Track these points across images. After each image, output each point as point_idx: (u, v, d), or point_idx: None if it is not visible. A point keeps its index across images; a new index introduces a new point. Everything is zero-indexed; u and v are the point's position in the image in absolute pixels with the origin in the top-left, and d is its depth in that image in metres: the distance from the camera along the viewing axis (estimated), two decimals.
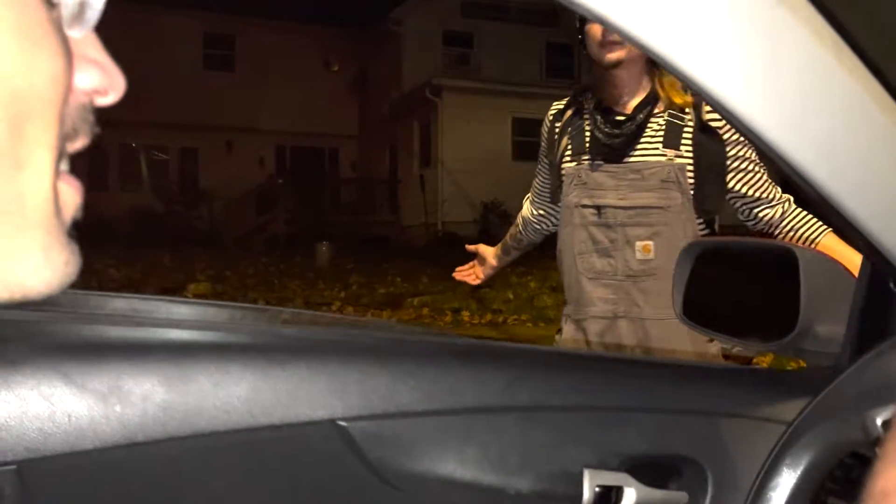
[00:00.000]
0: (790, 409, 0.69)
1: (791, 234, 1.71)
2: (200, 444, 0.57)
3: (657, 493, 0.68)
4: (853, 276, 0.78)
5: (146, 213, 16.32)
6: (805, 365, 0.87)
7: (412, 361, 0.66)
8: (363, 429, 0.62)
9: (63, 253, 0.34)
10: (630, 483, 0.67)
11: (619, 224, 1.70)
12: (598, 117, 1.75)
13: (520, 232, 2.08)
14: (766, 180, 1.72)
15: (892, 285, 0.72)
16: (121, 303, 0.69)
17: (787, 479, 0.53)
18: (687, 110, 1.70)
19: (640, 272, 1.68)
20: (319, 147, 20.40)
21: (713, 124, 1.69)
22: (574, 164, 1.77)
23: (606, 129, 1.72)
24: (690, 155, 1.67)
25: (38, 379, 0.54)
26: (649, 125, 1.70)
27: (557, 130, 1.85)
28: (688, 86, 0.54)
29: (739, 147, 1.71)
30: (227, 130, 18.50)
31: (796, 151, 0.56)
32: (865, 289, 0.74)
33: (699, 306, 0.94)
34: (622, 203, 1.69)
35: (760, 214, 1.73)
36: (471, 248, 2.16)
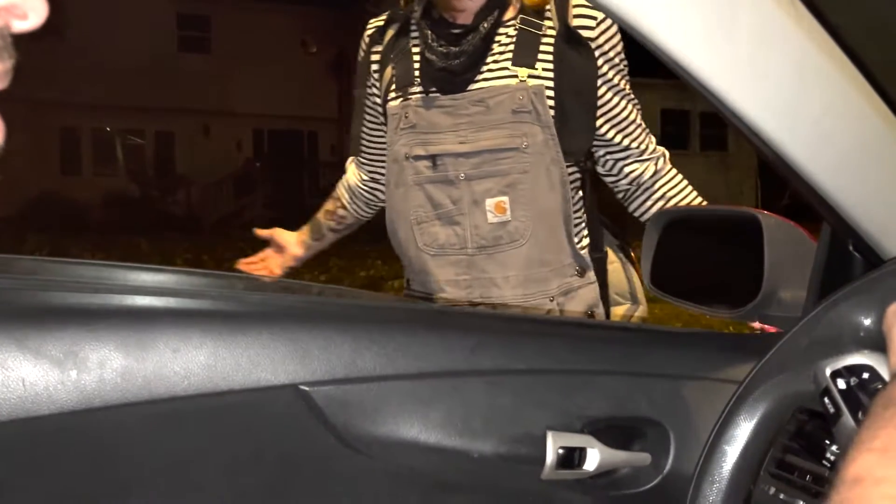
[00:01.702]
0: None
1: (661, 202, 1.33)
2: (160, 410, 0.57)
3: (620, 455, 0.69)
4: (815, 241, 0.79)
5: (121, 199, 16.11)
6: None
7: (376, 327, 0.66)
8: (326, 394, 0.62)
9: None
10: (593, 445, 0.68)
11: (461, 178, 1.25)
12: (429, 32, 1.26)
13: (343, 206, 1.56)
14: (639, 124, 1.32)
15: (850, 247, 0.73)
16: (79, 269, 0.68)
17: (741, 432, 0.54)
18: (547, 12, 1.25)
19: (495, 240, 1.26)
20: (298, 130, 20.21)
21: (584, 33, 1.24)
22: (400, 100, 1.30)
23: (440, 48, 1.25)
24: (550, 74, 1.23)
25: None
26: (496, 38, 1.25)
27: (377, 58, 1.36)
28: (643, 42, 0.54)
29: (615, 71, 1.28)
30: (203, 114, 18.26)
31: (751, 110, 0.56)
32: (826, 252, 0.75)
33: (667, 276, 0.95)
34: (463, 148, 1.25)
35: (627, 170, 1.33)
36: (262, 233, 1.57)
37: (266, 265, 1.54)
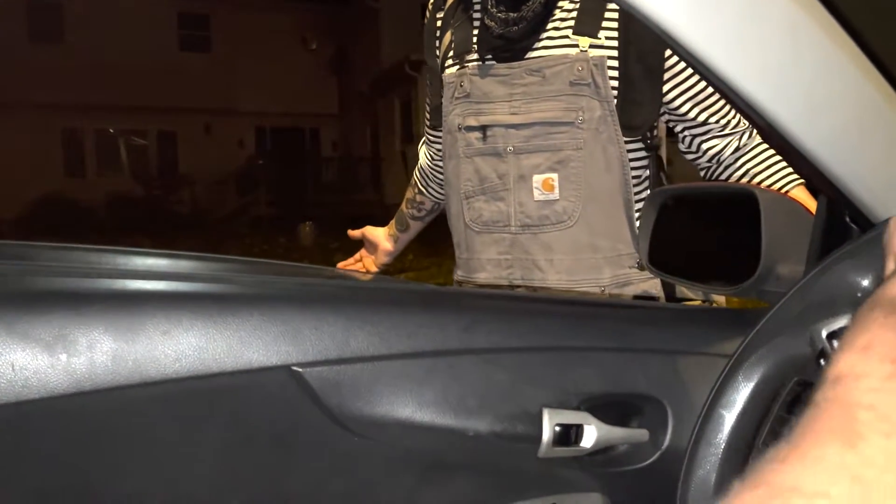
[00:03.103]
0: None
1: (744, 180, 1.23)
2: (151, 393, 0.57)
3: (617, 431, 0.69)
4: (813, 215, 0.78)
5: (125, 199, 16.15)
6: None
7: (368, 307, 0.66)
8: (319, 374, 0.62)
9: None
10: (590, 421, 0.67)
11: (510, 151, 1.20)
12: None
13: (419, 192, 1.52)
14: (718, 97, 1.21)
15: (847, 219, 0.72)
16: (67, 253, 0.68)
17: (739, 397, 0.53)
18: None
19: (541, 219, 1.20)
20: (299, 127, 20.23)
21: None
22: (456, 68, 1.26)
23: (499, 14, 1.19)
24: (614, 43, 1.15)
25: None
26: (559, 5, 1.19)
27: (439, 25, 1.32)
28: (630, 13, 0.53)
29: None
30: (205, 112, 18.30)
31: (741, 80, 0.55)
32: (822, 224, 0.74)
33: (665, 254, 0.94)
34: (514, 119, 1.19)
35: (705, 146, 1.23)
36: (354, 234, 1.60)
37: (363, 264, 1.56)
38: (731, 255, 0.89)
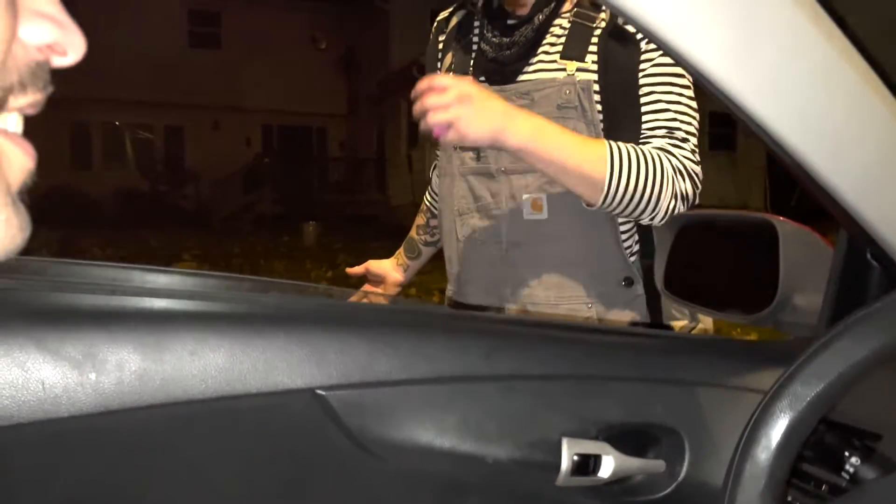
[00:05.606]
0: (768, 379, 0.69)
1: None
2: (177, 413, 0.57)
3: (635, 462, 0.69)
4: (832, 248, 0.78)
5: (131, 193, 16.19)
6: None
7: (391, 331, 0.66)
8: (342, 397, 0.62)
9: (14, 218, 0.32)
10: (608, 451, 0.68)
11: (502, 171, 1.24)
12: (486, 22, 1.27)
13: (434, 216, 1.52)
14: (673, 129, 1.20)
15: (869, 256, 0.72)
16: (96, 271, 0.68)
17: (768, 443, 0.53)
18: (603, 9, 1.20)
19: (529, 238, 1.23)
20: (307, 126, 20.25)
21: (634, 29, 1.14)
22: None
23: (494, 38, 1.25)
24: (597, 67, 1.18)
25: (11, 345, 0.53)
26: (551, 30, 1.22)
27: (441, 47, 1.39)
28: (666, 52, 0.53)
29: (662, 66, 1.17)
30: (213, 109, 18.31)
31: (772, 118, 0.55)
32: (843, 259, 0.75)
33: (681, 280, 0.95)
34: None
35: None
36: (355, 271, 1.56)
37: (370, 299, 1.53)
38: (748, 282, 0.89)
